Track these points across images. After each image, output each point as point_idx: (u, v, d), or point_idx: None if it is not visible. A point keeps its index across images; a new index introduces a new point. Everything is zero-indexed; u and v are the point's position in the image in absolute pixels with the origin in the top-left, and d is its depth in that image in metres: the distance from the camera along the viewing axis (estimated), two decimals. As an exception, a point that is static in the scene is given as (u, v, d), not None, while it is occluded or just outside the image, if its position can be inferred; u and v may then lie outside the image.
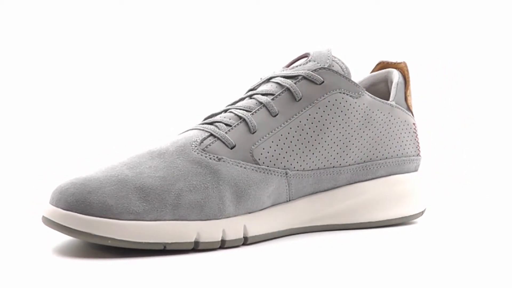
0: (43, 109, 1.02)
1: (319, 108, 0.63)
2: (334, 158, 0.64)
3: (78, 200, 0.53)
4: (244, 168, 0.59)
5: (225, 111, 0.64)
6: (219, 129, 0.60)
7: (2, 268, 0.51)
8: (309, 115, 0.62)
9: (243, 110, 0.62)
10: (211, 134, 0.60)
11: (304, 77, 0.63)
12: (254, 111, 0.62)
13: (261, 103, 0.62)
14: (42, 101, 1.02)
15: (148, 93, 1.05)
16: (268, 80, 0.65)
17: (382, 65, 0.73)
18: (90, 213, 0.53)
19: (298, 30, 1.06)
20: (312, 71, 0.63)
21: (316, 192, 0.64)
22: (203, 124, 0.62)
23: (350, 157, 0.65)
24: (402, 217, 0.68)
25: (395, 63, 0.72)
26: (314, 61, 0.64)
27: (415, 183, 0.70)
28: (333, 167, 0.64)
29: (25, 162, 0.97)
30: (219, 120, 0.62)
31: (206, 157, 0.58)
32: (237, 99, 0.65)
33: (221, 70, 1.05)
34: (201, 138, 0.59)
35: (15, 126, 1.01)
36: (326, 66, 0.63)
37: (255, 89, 0.66)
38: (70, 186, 0.54)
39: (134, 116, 1.04)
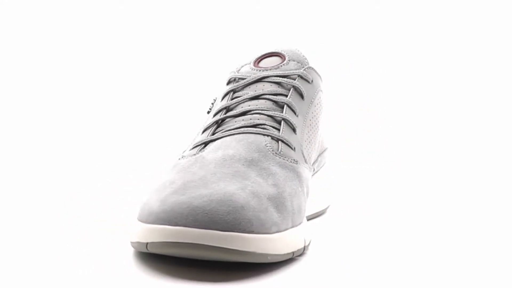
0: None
1: (315, 106, 0.64)
2: (313, 155, 0.67)
3: (237, 218, 0.47)
4: (307, 168, 0.59)
5: (243, 113, 0.60)
6: (272, 132, 0.58)
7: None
8: (312, 113, 0.64)
9: (274, 111, 0.60)
10: (272, 138, 0.57)
11: (301, 77, 0.63)
12: (284, 112, 0.60)
13: (279, 103, 0.60)
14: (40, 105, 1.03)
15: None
16: (259, 80, 0.62)
17: None
18: (250, 230, 0.48)
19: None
20: (303, 71, 0.64)
21: None
22: (244, 127, 0.58)
23: (317, 152, 0.68)
24: (327, 207, 0.74)
25: None
26: (294, 61, 0.64)
27: (331, 174, 0.76)
28: (312, 163, 0.67)
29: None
30: (259, 123, 0.58)
31: (287, 161, 0.56)
32: (227, 102, 0.61)
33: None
34: (269, 142, 0.56)
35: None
36: (309, 66, 0.65)
37: (241, 90, 0.63)
38: (216, 204, 0.47)
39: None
